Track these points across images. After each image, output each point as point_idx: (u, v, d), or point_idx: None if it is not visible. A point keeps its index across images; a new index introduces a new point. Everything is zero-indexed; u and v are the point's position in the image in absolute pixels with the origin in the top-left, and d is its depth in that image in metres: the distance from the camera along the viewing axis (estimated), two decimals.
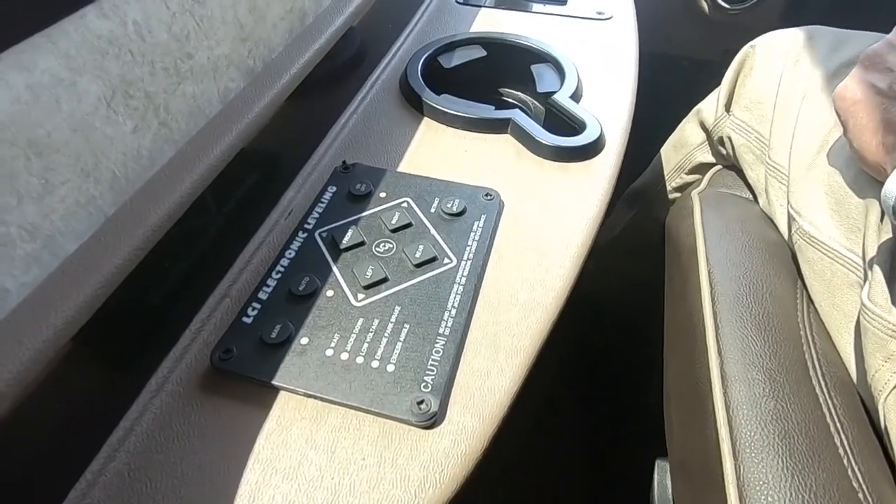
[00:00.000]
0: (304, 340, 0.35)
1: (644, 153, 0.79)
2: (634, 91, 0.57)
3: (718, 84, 0.66)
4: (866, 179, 0.45)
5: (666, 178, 0.74)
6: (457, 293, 0.38)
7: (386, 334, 0.35)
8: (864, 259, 0.44)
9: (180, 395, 0.33)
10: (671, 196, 0.73)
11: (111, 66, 0.30)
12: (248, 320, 0.36)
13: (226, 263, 0.39)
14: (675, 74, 1.00)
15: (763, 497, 0.36)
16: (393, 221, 0.42)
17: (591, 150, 0.48)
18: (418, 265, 0.39)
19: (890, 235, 0.41)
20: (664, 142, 0.77)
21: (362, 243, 0.40)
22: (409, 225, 0.42)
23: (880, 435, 0.40)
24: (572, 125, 0.51)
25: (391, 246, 0.40)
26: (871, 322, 0.39)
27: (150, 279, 0.38)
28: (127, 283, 0.32)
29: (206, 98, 0.37)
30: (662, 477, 0.50)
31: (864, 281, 0.43)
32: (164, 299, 0.38)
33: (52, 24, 0.26)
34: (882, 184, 0.38)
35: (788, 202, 0.52)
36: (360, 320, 0.36)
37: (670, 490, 0.49)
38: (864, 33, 0.58)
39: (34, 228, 0.27)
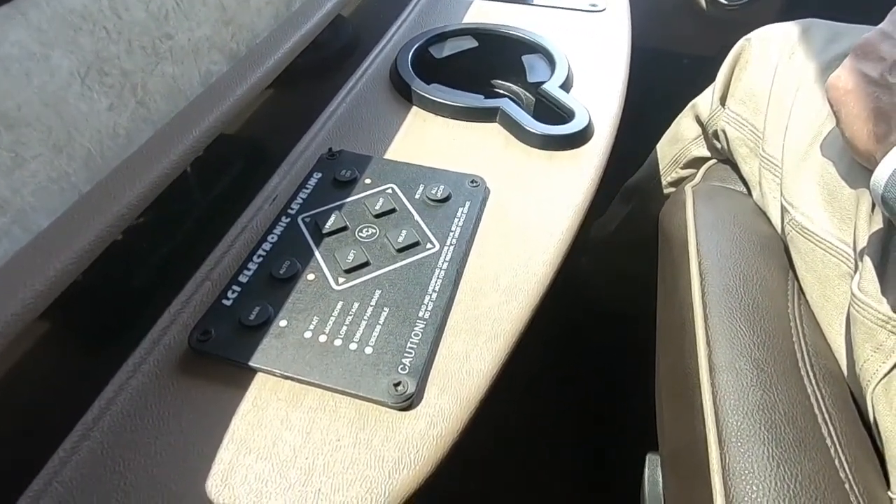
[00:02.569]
0: (283, 323, 0.34)
1: (641, 149, 0.79)
2: (625, 83, 0.57)
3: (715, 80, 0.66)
4: (859, 170, 0.44)
5: (661, 172, 0.74)
6: (438, 277, 0.37)
7: (365, 317, 0.35)
8: (854, 249, 0.43)
9: (157, 375, 0.32)
10: (666, 191, 0.73)
11: (85, 41, 0.29)
12: (227, 303, 0.35)
13: (208, 247, 0.39)
14: (673, 70, 0.99)
15: (748, 487, 0.35)
16: (377, 207, 0.41)
17: (578, 139, 0.48)
18: (400, 250, 0.39)
19: (881, 225, 0.40)
20: (661, 137, 0.76)
21: (345, 228, 0.40)
22: (392, 210, 0.42)
23: (868, 425, 0.39)
24: (561, 114, 0.51)
25: (374, 231, 0.40)
26: (860, 312, 0.39)
27: (131, 260, 0.38)
28: (108, 263, 0.32)
29: (186, 79, 0.37)
30: (653, 471, 0.50)
31: (855, 271, 0.42)
32: (145, 281, 0.38)
33: None
34: (872, 173, 0.37)
35: (781, 194, 0.52)
36: (340, 303, 0.36)
37: (661, 484, 0.48)
38: (860, 27, 0.57)
39: (4, 202, 0.27)
